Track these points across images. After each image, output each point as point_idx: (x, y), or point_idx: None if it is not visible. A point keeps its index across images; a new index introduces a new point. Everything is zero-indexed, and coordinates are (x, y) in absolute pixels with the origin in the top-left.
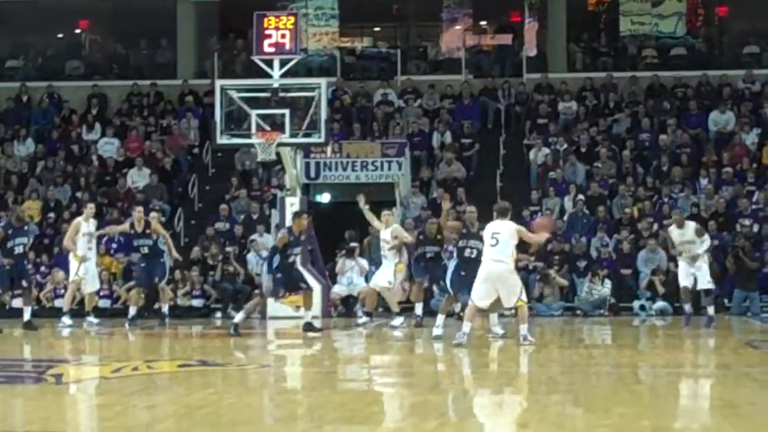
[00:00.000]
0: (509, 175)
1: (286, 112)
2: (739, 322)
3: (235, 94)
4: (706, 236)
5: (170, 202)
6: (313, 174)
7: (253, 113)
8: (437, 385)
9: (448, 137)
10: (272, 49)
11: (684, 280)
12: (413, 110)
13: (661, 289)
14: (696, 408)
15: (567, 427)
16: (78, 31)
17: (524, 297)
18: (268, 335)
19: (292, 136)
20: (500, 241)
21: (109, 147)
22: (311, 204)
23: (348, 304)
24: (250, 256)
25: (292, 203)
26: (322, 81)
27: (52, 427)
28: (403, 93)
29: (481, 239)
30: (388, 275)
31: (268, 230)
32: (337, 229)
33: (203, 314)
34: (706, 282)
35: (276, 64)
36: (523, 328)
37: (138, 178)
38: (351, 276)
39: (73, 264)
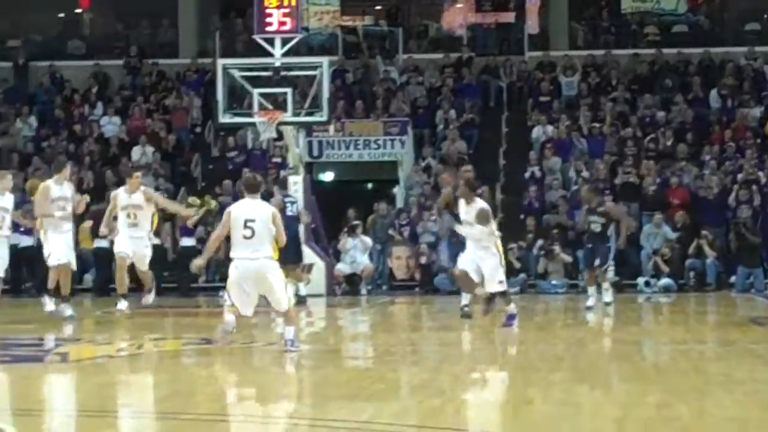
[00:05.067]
0: (511, 152)
1: (288, 91)
2: (743, 299)
3: (236, 73)
4: (492, 225)
5: (173, 181)
6: (316, 153)
7: (255, 92)
8: (441, 363)
9: (450, 115)
10: (273, 28)
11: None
12: (415, 88)
13: (665, 268)
14: (700, 384)
15: (572, 403)
16: (79, 10)
17: (292, 297)
18: (272, 313)
19: (295, 115)
20: (256, 231)
21: (111, 126)
22: (314, 182)
23: (352, 281)
24: None
25: (296, 182)
26: (324, 60)
27: (59, 406)
28: (405, 71)
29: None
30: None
31: None
32: (341, 207)
33: None
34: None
35: (277, 43)
36: (290, 332)
37: (141, 156)
38: (354, 254)
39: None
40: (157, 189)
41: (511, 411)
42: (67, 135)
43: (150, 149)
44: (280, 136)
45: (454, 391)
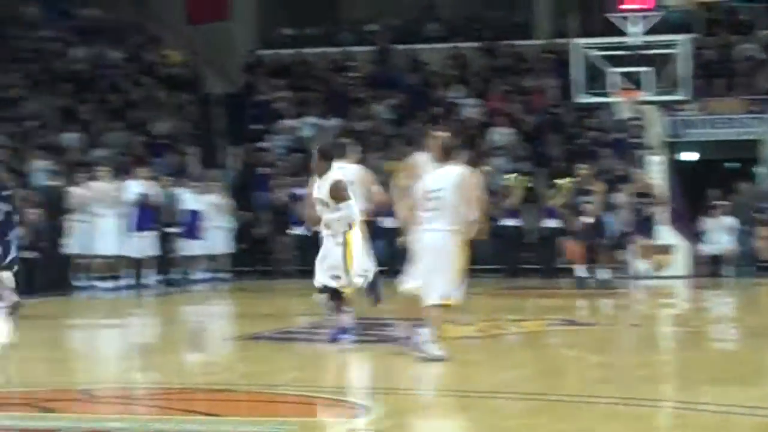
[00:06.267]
0: None
1: (648, 69)
2: None
3: (593, 53)
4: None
5: (532, 162)
6: (676, 132)
7: (613, 71)
8: None
9: None
10: (631, 6)
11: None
12: None
13: None
14: None
15: None
16: None
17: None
18: (635, 295)
19: (654, 93)
20: (441, 198)
21: (470, 108)
22: (675, 162)
23: (714, 263)
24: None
25: (656, 162)
26: (684, 37)
27: (417, 385)
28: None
29: None
30: None
31: None
32: (701, 186)
33: None
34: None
35: (634, 21)
36: (425, 333)
37: (500, 137)
38: (715, 235)
39: None
40: (514, 171)
41: None
42: (427, 117)
43: (508, 131)
44: (639, 116)
45: None
